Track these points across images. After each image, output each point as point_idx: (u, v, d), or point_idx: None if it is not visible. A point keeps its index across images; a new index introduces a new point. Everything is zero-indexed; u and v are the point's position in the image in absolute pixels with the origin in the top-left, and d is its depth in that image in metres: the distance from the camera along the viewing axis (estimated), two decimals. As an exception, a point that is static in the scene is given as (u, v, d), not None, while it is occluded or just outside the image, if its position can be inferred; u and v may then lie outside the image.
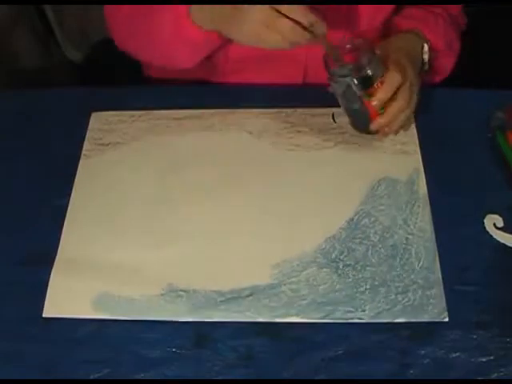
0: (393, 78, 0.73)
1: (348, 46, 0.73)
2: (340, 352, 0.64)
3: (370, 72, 0.72)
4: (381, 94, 0.73)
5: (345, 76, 0.72)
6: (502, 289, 0.68)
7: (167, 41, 0.79)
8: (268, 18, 0.68)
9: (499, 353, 0.64)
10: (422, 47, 0.84)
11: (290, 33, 0.68)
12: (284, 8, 0.68)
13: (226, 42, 0.81)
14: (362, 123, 0.78)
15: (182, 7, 0.75)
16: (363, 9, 0.85)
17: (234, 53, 0.88)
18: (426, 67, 0.85)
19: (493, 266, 0.70)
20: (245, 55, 0.86)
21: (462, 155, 0.80)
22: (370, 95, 0.73)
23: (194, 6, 0.75)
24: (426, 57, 0.84)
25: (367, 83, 0.72)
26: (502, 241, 0.72)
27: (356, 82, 0.72)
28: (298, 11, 0.68)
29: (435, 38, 0.86)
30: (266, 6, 0.68)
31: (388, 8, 0.88)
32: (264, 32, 0.69)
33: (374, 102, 0.73)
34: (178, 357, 0.64)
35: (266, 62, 0.87)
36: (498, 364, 0.63)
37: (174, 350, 0.65)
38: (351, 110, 0.76)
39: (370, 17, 0.86)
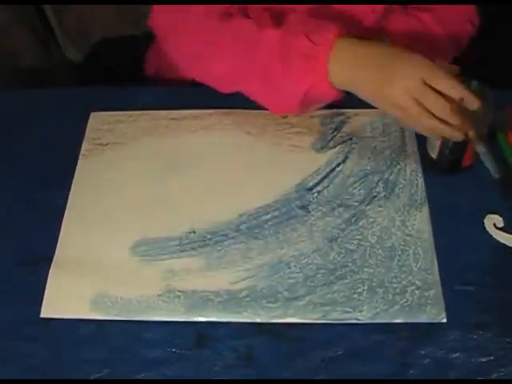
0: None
1: None
2: (340, 352, 0.64)
3: None
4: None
5: None
6: (502, 289, 0.68)
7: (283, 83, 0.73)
8: (419, 91, 0.65)
9: (499, 353, 0.64)
10: None
11: (442, 111, 0.65)
12: (438, 83, 0.65)
13: None
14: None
15: (322, 64, 0.69)
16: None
17: None
18: None
19: (493, 266, 0.70)
20: None
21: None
22: None
23: (332, 64, 0.69)
24: None
25: None
26: (502, 241, 0.72)
27: None
28: (451, 87, 0.65)
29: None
30: (418, 78, 0.64)
31: None
32: (413, 108, 0.66)
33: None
34: (178, 357, 0.64)
35: None
36: (497, 364, 0.63)
37: (173, 350, 0.65)
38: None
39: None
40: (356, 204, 0.75)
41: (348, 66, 0.70)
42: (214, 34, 0.77)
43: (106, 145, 0.82)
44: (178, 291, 0.68)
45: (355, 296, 0.68)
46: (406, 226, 0.73)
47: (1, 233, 0.74)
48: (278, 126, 0.83)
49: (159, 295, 0.68)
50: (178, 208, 0.75)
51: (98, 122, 0.85)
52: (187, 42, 0.78)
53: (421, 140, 0.80)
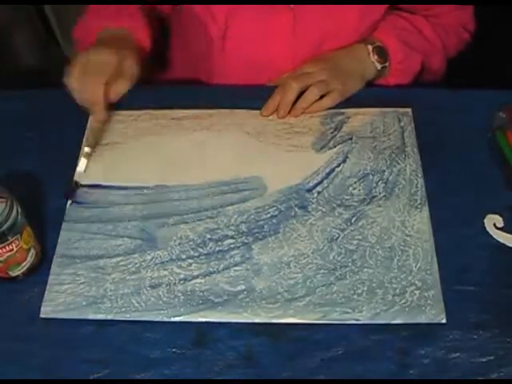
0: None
1: None
2: (340, 352, 0.64)
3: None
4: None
5: None
6: (502, 289, 0.68)
7: None
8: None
9: (499, 353, 0.64)
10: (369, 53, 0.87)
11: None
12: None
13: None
14: None
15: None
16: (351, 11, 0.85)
17: (232, 57, 0.89)
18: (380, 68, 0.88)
19: (493, 266, 0.70)
20: (242, 57, 0.88)
21: (462, 155, 0.80)
22: None
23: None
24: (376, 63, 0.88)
25: None
26: (502, 241, 0.72)
27: None
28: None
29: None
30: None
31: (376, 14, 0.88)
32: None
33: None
34: (177, 357, 0.64)
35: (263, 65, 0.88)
36: (498, 364, 0.63)
37: (174, 350, 0.65)
38: None
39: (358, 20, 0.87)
40: (356, 204, 0.75)
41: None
42: None
43: (106, 145, 0.82)
44: (178, 292, 0.68)
45: (355, 297, 0.68)
46: (405, 226, 0.73)
47: (1, 233, 0.74)
48: (277, 126, 0.83)
49: (159, 295, 0.68)
50: (178, 208, 0.75)
51: (98, 121, 0.85)
52: None
53: (421, 139, 0.80)
